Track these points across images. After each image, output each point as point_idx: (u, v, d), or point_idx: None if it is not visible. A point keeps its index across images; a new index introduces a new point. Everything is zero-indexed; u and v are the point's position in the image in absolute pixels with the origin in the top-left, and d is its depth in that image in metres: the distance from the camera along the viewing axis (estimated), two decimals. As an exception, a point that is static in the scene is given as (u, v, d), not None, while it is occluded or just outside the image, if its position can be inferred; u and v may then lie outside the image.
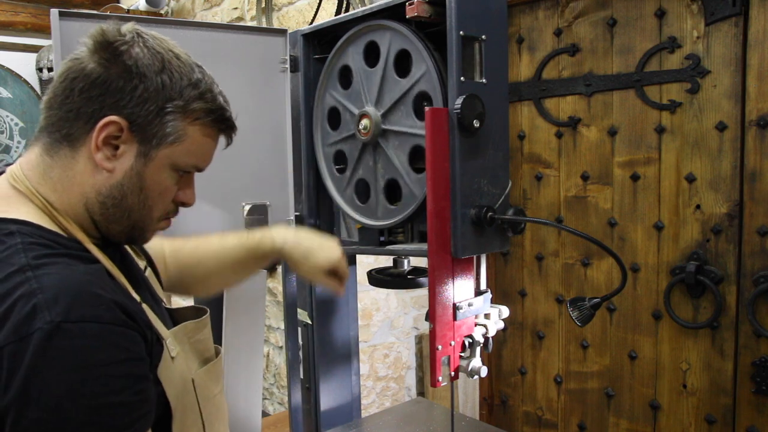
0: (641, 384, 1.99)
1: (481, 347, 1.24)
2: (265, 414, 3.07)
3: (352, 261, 1.57)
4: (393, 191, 1.27)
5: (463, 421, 1.57)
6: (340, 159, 1.38)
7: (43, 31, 3.96)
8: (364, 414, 1.72)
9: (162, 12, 3.54)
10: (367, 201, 1.31)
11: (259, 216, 1.65)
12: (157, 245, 1.19)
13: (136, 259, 1.01)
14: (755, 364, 1.74)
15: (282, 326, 2.79)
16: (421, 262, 1.26)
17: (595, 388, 2.12)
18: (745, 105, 1.72)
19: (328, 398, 1.55)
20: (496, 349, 2.38)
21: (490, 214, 1.12)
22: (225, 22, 3.10)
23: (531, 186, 2.22)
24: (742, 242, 1.75)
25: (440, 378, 1.17)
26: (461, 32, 1.07)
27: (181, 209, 0.96)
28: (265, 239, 1.25)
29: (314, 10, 2.40)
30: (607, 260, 2.06)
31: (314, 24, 1.46)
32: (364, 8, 1.27)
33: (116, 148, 0.83)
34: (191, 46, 1.54)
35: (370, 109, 1.25)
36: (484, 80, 1.12)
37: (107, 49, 0.82)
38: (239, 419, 1.71)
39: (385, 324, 2.63)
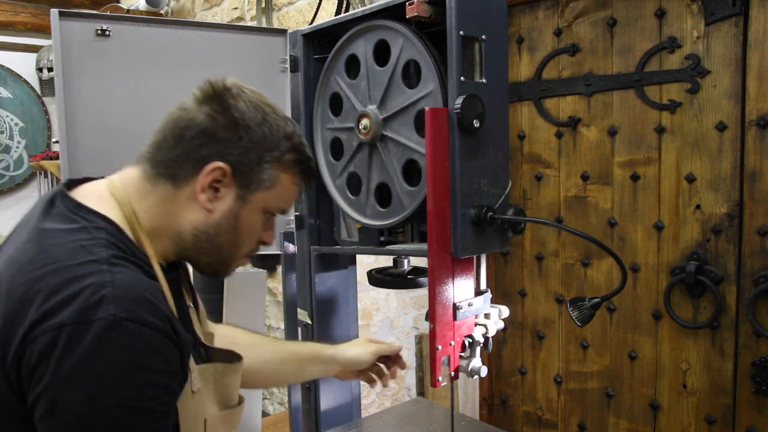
0: (641, 384, 1.99)
1: (481, 347, 1.24)
2: (265, 414, 3.07)
3: (352, 261, 1.57)
4: (383, 195, 1.27)
5: (463, 421, 1.57)
6: (336, 145, 1.38)
7: (43, 31, 3.97)
8: (364, 414, 1.72)
9: (162, 12, 3.54)
10: (358, 195, 1.31)
11: (259, 216, 1.64)
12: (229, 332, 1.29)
13: (185, 294, 1.05)
14: (755, 364, 1.74)
15: (282, 326, 2.79)
16: (421, 262, 1.26)
17: (595, 388, 2.12)
18: (745, 105, 1.72)
19: (328, 398, 1.55)
20: (496, 349, 2.38)
21: (490, 214, 1.12)
22: (225, 22, 3.10)
23: (531, 186, 2.22)
24: (742, 242, 1.75)
25: (440, 378, 1.17)
26: (461, 32, 1.07)
27: None
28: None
29: (314, 10, 2.40)
30: (607, 260, 2.06)
31: (314, 24, 1.46)
32: (364, 8, 1.27)
33: (217, 190, 0.92)
34: (191, 46, 1.54)
35: (372, 109, 1.25)
36: (484, 80, 1.12)
37: (215, 100, 0.92)
38: (239, 419, 1.71)
39: (385, 324, 2.63)
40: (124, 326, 0.75)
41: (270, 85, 1.62)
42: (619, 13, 1.94)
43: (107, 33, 1.43)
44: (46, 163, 3.74)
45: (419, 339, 2.74)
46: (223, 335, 1.22)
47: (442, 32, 1.10)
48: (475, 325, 1.24)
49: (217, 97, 0.92)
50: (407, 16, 1.14)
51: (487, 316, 1.26)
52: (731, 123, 1.74)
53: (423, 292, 2.65)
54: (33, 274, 0.78)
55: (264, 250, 1.25)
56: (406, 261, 1.36)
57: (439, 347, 1.14)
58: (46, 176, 3.87)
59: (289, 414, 1.71)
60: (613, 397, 2.07)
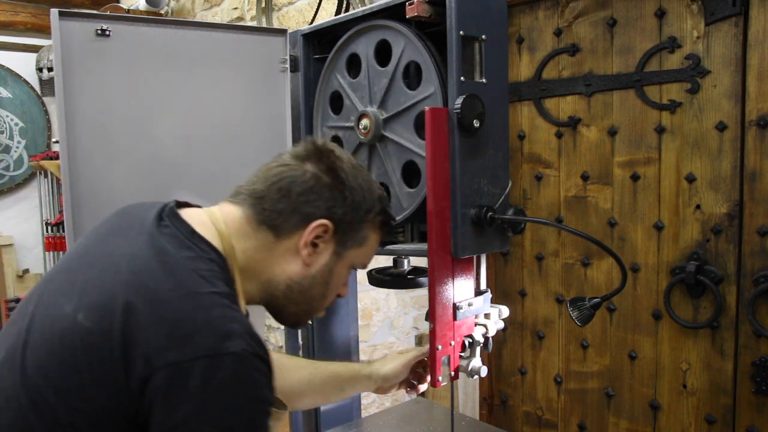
0: (641, 384, 1.99)
1: (481, 347, 1.24)
2: (265, 414, 3.06)
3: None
4: (409, 174, 1.26)
5: (463, 421, 1.57)
6: (336, 143, 1.38)
7: (43, 31, 3.97)
8: (364, 414, 1.72)
9: (162, 12, 3.54)
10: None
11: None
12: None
13: None
14: (755, 364, 1.74)
15: (282, 326, 2.79)
16: (421, 262, 1.26)
17: (595, 388, 2.12)
18: (745, 105, 1.72)
19: (328, 398, 1.55)
20: (496, 349, 2.38)
21: (490, 214, 1.12)
22: (225, 22, 3.10)
23: (531, 186, 2.22)
24: (742, 242, 1.75)
25: (440, 378, 1.17)
26: (461, 32, 1.07)
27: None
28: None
29: (314, 10, 2.40)
30: (607, 260, 2.06)
31: (314, 24, 1.46)
32: (364, 8, 1.27)
33: (316, 245, 0.96)
34: (191, 46, 1.54)
35: (372, 109, 1.25)
36: (484, 80, 1.12)
37: (321, 160, 0.96)
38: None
39: (385, 324, 2.63)
40: (252, 361, 0.79)
41: (270, 85, 1.62)
42: (619, 13, 1.94)
43: (107, 33, 1.43)
44: (46, 163, 3.74)
45: (419, 339, 2.74)
46: None
47: (442, 32, 1.10)
48: (475, 325, 1.24)
49: (322, 156, 0.97)
50: (407, 16, 1.14)
51: (487, 316, 1.26)
52: (731, 123, 1.74)
53: (423, 292, 2.65)
54: (162, 294, 0.80)
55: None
56: (406, 261, 1.36)
57: (439, 347, 1.14)
58: (46, 176, 3.87)
59: (288, 414, 1.71)
60: (613, 397, 2.07)
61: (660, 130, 1.88)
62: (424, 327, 2.73)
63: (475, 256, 1.19)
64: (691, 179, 1.83)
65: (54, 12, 1.37)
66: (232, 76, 1.58)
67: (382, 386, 1.37)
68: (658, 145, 1.89)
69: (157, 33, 1.49)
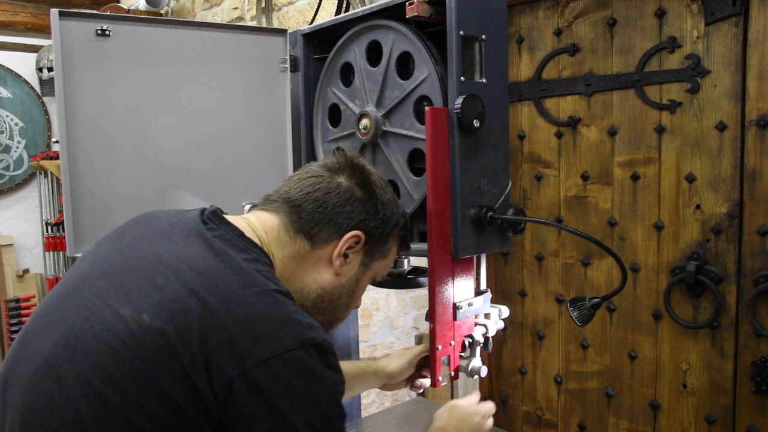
0: (641, 384, 1.99)
1: (481, 347, 1.25)
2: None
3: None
4: (415, 163, 1.27)
5: (463, 421, 1.56)
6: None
7: (43, 31, 3.96)
8: (364, 414, 1.72)
9: (162, 12, 3.54)
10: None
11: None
12: None
13: None
14: (755, 364, 1.74)
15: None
16: (421, 262, 1.26)
17: (595, 388, 2.12)
18: (745, 105, 1.72)
19: (328, 398, 1.55)
20: (496, 349, 2.38)
21: (490, 213, 1.12)
22: (225, 22, 3.10)
23: (531, 186, 2.22)
24: (742, 242, 1.75)
25: (440, 378, 1.17)
26: (461, 32, 1.07)
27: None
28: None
29: (314, 10, 2.40)
30: (607, 260, 2.06)
31: (314, 24, 1.46)
32: (364, 8, 1.27)
33: (347, 256, 0.99)
34: (191, 46, 1.54)
35: (370, 109, 1.25)
36: (484, 80, 1.12)
37: (355, 174, 1.00)
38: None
39: (385, 324, 2.63)
40: (331, 349, 0.84)
41: (270, 85, 1.62)
42: (619, 13, 1.94)
43: (107, 33, 1.43)
44: (46, 163, 3.74)
45: (419, 339, 2.74)
46: None
47: (442, 32, 1.10)
48: (475, 325, 1.24)
49: (355, 169, 1.01)
50: (407, 16, 1.14)
51: (487, 316, 1.26)
52: (731, 123, 1.74)
53: (423, 292, 2.65)
54: (234, 293, 0.81)
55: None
56: (406, 261, 1.36)
57: (439, 347, 1.14)
58: (46, 176, 3.87)
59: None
60: (613, 397, 2.07)
61: (660, 130, 1.88)
62: (424, 327, 2.73)
63: (475, 256, 1.19)
64: (691, 179, 1.83)
65: (54, 12, 1.37)
66: (232, 76, 1.58)
67: (388, 383, 1.38)
68: (658, 145, 1.89)
69: (157, 33, 1.49)
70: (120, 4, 3.70)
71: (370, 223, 0.99)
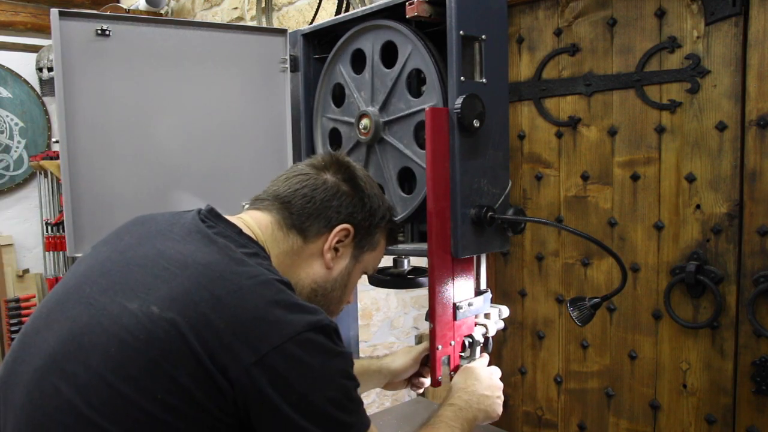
0: (641, 384, 1.99)
1: (481, 347, 1.25)
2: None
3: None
4: (405, 179, 1.27)
5: (463, 421, 1.56)
6: (335, 135, 1.38)
7: (43, 31, 3.96)
8: (364, 414, 1.72)
9: (162, 12, 3.54)
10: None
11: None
12: None
13: None
14: (755, 364, 1.74)
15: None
16: (421, 262, 1.26)
17: (595, 388, 2.12)
18: (745, 105, 1.72)
19: (328, 398, 1.55)
20: (496, 349, 2.38)
21: (490, 213, 1.12)
22: (225, 22, 3.10)
23: (531, 186, 2.22)
24: (742, 242, 1.75)
25: (440, 378, 1.17)
26: (461, 32, 1.07)
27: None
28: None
29: (314, 10, 2.40)
30: (607, 260, 2.06)
31: (314, 24, 1.46)
32: (364, 8, 1.27)
33: (337, 250, 1.03)
34: (191, 46, 1.54)
35: (373, 110, 1.25)
36: (484, 80, 1.12)
37: (341, 170, 1.03)
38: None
39: (385, 324, 2.63)
40: (336, 329, 0.87)
41: (270, 85, 1.62)
42: (619, 13, 1.94)
43: (107, 33, 1.43)
44: (46, 163, 3.74)
45: (419, 339, 2.74)
46: None
47: (442, 32, 1.10)
48: (475, 324, 1.24)
49: (341, 166, 1.04)
50: (407, 16, 1.14)
51: (487, 316, 1.26)
52: (731, 123, 1.74)
53: (423, 292, 2.65)
54: (242, 284, 0.83)
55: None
56: (406, 261, 1.36)
57: (439, 347, 1.14)
58: (46, 176, 3.87)
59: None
60: (613, 397, 2.07)
61: (660, 130, 1.88)
62: (424, 327, 2.73)
63: (475, 256, 1.19)
64: (691, 179, 1.83)
65: (54, 12, 1.37)
66: (232, 76, 1.58)
67: (392, 381, 1.39)
68: (658, 145, 1.89)
69: (157, 33, 1.49)
70: (120, 4, 3.70)
71: (357, 216, 1.02)
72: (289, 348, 0.79)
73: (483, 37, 1.11)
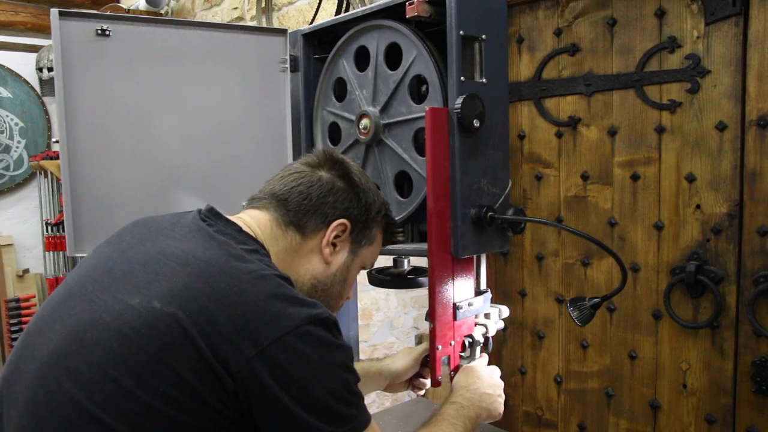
0: (641, 384, 1.99)
1: (481, 347, 1.25)
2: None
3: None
4: (402, 183, 1.27)
5: (463, 421, 1.56)
6: (334, 129, 1.38)
7: (43, 31, 3.96)
8: (364, 414, 1.72)
9: (162, 12, 3.54)
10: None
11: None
12: None
13: None
14: (755, 364, 1.74)
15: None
16: (421, 262, 1.26)
17: (595, 388, 2.12)
18: (745, 105, 1.72)
19: (328, 398, 1.55)
20: (496, 349, 2.38)
21: (490, 213, 1.12)
22: (225, 22, 3.10)
23: (531, 186, 2.22)
24: (742, 242, 1.75)
25: (440, 378, 1.17)
26: (461, 32, 1.07)
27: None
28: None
29: (314, 9, 2.40)
30: (607, 260, 2.06)
31: (314, 24, 1.46)
32: (364, 8, 1.27)
33: (335, 245, 1.04)
34: (191, 46, 1.54)
35: (374, 111, 1.25)
36: (484, 80, 1.12)
37: (335, 167, 1.04)
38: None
39: (385, 324, 2.63)
40: (336, 323, 0.89)
41: (270, 85, 1.62)
42: (619, 12, 1.94)
43: (107, 33, 1.43)
44: (46, 163, 3.74)
45: (419, 339, 2.74)
46: None
47: (442, 32, 1.10)
48: (475, 324, 1.24)
49: (335, 163, 1.05)
50: (407, 16, 1.14)
51: (487, 315, 1.26)
52: (731, 123, 1.74)
53: (423, 292, 2.65)
54: (242, 278, 0.84)
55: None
56: (406, 261, 1.36)
57: (439, 347, 1.14)
58: (46, 176, 3.87)
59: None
60: (613, 397, 2.07)
61: (660, 130, 1.88)
62: (424, 327, 2.73)
63: (475, 256, 1.19)
64: (691, 179, 1.83)
65: (54, 12, 1.37)
66: (232, 76, 1.58)
67: (392, 383, 1.39)
68: (658, 145, 1.89)
69: (157, 33, 1.49)
70: (120, 4, 3.70)
71: (354, 210, 1.03)
72: (289, 340, 0.80)
73: (483, 37, 1.11)
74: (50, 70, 3.79)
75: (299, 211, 1.01)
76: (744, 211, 1.74)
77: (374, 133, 1.25)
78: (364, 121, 1.26)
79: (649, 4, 1.87)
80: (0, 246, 3.97)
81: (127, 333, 0.80)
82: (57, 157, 3.54)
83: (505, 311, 1.29)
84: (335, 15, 2.10)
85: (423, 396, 2.50)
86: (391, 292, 2.61)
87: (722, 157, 1.77)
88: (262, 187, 1.06)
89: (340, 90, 1.37)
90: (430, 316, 1.13)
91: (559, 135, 2.13)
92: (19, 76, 4.14)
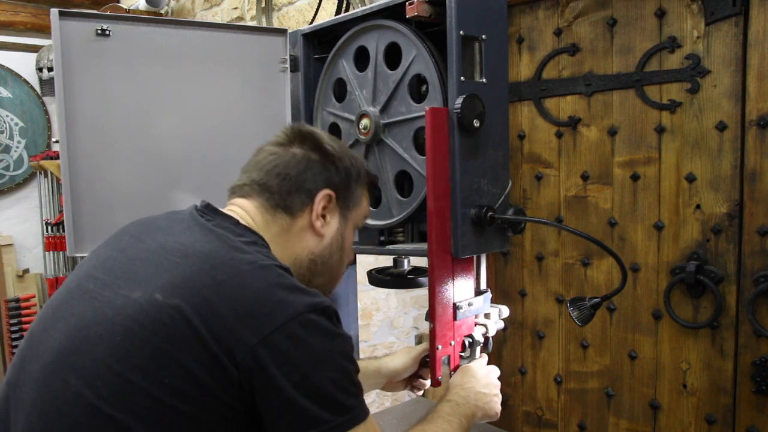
0: (641, 384, 1.99)
1: (481, 347, 1.25)
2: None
3: (352, 260, 1.57)
4: (402, 182, 1.27)
5: (463, 421, 1.56)
6: (334, 129, 1.38)
7: (43, 31, 3.96)
8: (364, 414, 1.72)
9: (162, 12, 3.54)
10: (379, 204, 1.31)
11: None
12: None
13: None
14: (755, 364, 1.74)
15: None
16: (421, 262, 1.26)
17: (595, 388, 2.12)
18: (745, 105, 1.72)
19: (328, 398, 1.55)
20: (496, 349, 2.38)
21: (490, 213, 1.12)
22: (225, 22, 3.10)
23: (531, 186, 2.22)
24: (742, 242, 1.75)
25: (440, 378, 1.17)
26: (461, 32, 1.07)
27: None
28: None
29: (314, 9, 2.40)
30: (607, 260, 2.06)
31: (314, 24, 1.46)
32: (364, 8, 1.27)
33: (324, 216, 1.04)
34: (191, 46, 1.54)
35: (374, 111, 1.25)
36: (484, 80, 1.12)
37: (306, 141, 1.04)
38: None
39: (385, 324, 2.63)
40: (336, 312, 0.88)
41: (270, 85, 1.62)
42: (619, 12, 1.94)
43: (107, 33, 1.43)
44: (46, 163, 3.74)
45: (419, 339, 2.74)
46: None
47: (442, 32, 1.10)
48: (475, 324, 1.24)
49: (305, 136, 1.05)
50: (407, 16, 1.14)
51: (487, 315, 1.26)
52: (731, 123, 1.74)
53: (423, 292, 2.65)
54: (243, 269, 0.85)
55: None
56: (406, 261, 1.36)
57: (439, 347, 1.14)
58: (46, 176, 3.87)
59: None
60: (613, 397, 2.07)
61: (660, 130, 1.88)
62: (424, 327, 2.73)
63: (475, 256, 1.19)
64: (691, 179, 1.83)
65: (54, 12, 1.37)
66: (232, 76, 1.58)
67: (391, 381, 1.38)
68: (658, 145, 1.89)
69: (157, 33, 1.49)
70: (120, 4, 3.70)
71: (334, 179, 1.04)
72: (292, 327, 0.81)
73: (483, 37, 1.11)
74: (50, 70, 3.79)
75: (282, 192, 1.01)
76: (744, 211, 1.74)
77: (374, 132, 1.25)
78: (364, 121, 1.26)
79: (649, 4, 1.87)
80: (0, 246, 3.97)
81: (130, 326, 0.80)
82: (57, 157, 3.54)
83: (505, 311, 1.29)
84: (335, 15, 2.11)
85: (422, 396, 2.50)
86: (391, 292, 2.61)
87: (722, 157, 1.77)
88: (240, 176, 1.07)
89: (340, 90, 1.37)
90: (430, 316, 1.13)
91: (559, 135, 2.13)
92: (19, 76, 4.14)
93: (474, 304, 1.20)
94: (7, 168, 4.11)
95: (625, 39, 1.93)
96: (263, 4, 2.71)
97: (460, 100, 1.06)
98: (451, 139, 1.08)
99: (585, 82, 2.03)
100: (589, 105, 2.04)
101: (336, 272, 1.10)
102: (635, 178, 1.95)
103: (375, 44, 1.25)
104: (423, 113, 1.15)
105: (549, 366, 2.25)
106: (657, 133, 1.89)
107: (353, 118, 1.29)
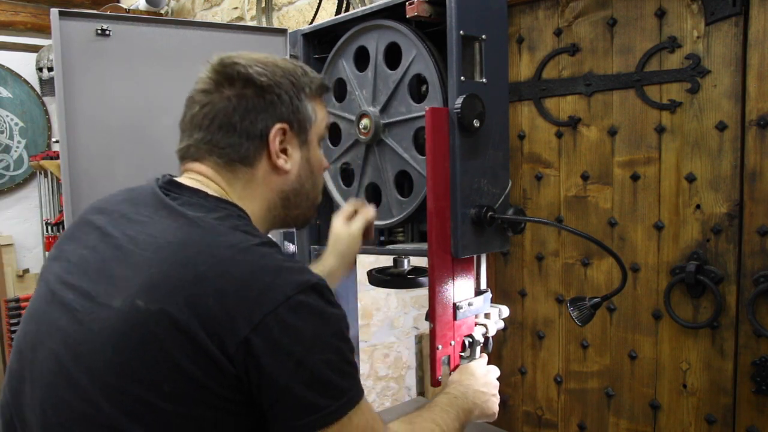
0: (641, 384, 1.99)
1: (481, 347, 1.25)
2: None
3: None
4: (402, 182, 1.27)
5: (463, 421, 1.56)
6: (334, 129, 1.38)
7: (43, 31, 3.96)
8: (364, 414, 1.72)
9: (162, 12, 3.54)
10: (379, 205, 1.30)
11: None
12: None
13: None
14: (755, 364, 1.74)
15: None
16: (421, 262, 1.26)
17: (595, 388, 2.12)
18: (745, 105, 1.72)
19: (328, 398, 1.54)
20: (496, 349, 2.38)
21: (490, 213, 1.12)
22: (225, 22, 3.10)
23: (531, 186, 2.22)
24: (742, 242, 1.75)
25: (440, 378, 1.17)
26: (461, 32, 1.07)
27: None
28: None
29: (314, 9, 2.40)
30: (607, 260, 2.06)
31: (314, 24, 1.46)
32: (364, 8, 1.27)
33: (285, 150, 0.97)
34: (191, 46, 1.54)
35: (374, 111, 1.25)
36: (484, 80, 1.12)
37: (233, 81, 0.94)
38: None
39: (385, 324, 2.63)
40: (326, 286, 0.84)
41: (270, 85, 1.62)
42: (619, 12, 1.94)
43: (107, 33, 1.43)
44: (46, 163, 3.74)
45: (419, 339, 2.74)
46: None
47: (442, 32, 1.10)
48: (475, 324, 1.24)
49: (231, 76, 0.94)
50: (407, 16, 1.14)
51: (487, 315, 1.26)
52: (731, 123, 1.74)
53: (423, 292, 2.65)
54: (223, 256, 0.81)
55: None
56: (406, 261, 1.36)
57: (439, 347, 1.14)
58: (46, 176, 3.87)
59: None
60: (613, 397, 2.07)
61: (660, 130, 1.88)
62: (424, 327, 2.73)
63: (475, 256, 1.19)
64: (691, 179, 1.83)
65: (54, 12, 1.38)
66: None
67: (343, 270, 1.30)
68: (658, 145, 1.89)
69: (157, 33, 1.49)
70: (120, 4, 3.70)
71: (281, 110, 0.95)
72: (281, 313, 0.77)
73: (483, 37, 1.11)
74: (50, 70, 3.79)
75: (233, 145, 0.94)
76: (744, 211, 1.74)
77: (374, 132, 1.24)
78: (364, 121, 1.26)
79: (649, 4, 1.87)
80: (0, 246, 3.97)
81: (118, 340, 0.78)
82: (57, 157, 3.54)
83: (505, 311, 1.29)
84: (335, 15, 2.11)
85: (422, 396, 2.50)
86: (391, 292, 2.61)
87: (722, 157, 1.77)
88: (181, 135, 0.99)
89: (340, 90, 1.37)
90: (430, 316, 1.13)
91: (559, 135, 2.13)
92: (19, 76, 4.14)
93: (474, 304, 1.20)
94: (7, 168, 4.11)
95: (625, 39, 1.93)
96: (263, 4, 2.71)
97: (460, 100, 1.06)
98: (451, 139, 1.08)
99: (585, 82, 2.03)
100: (589, 105, 2.04)
101: (313, 196, 1.05)
102: (635, 178, 1.95)
103: (375, 44, 1.25)
104: (423, 113, 1.15)
105: (549, 366, 2.25)
106: (657, 133, 1.89)
107: (353, 118, 1.29)
